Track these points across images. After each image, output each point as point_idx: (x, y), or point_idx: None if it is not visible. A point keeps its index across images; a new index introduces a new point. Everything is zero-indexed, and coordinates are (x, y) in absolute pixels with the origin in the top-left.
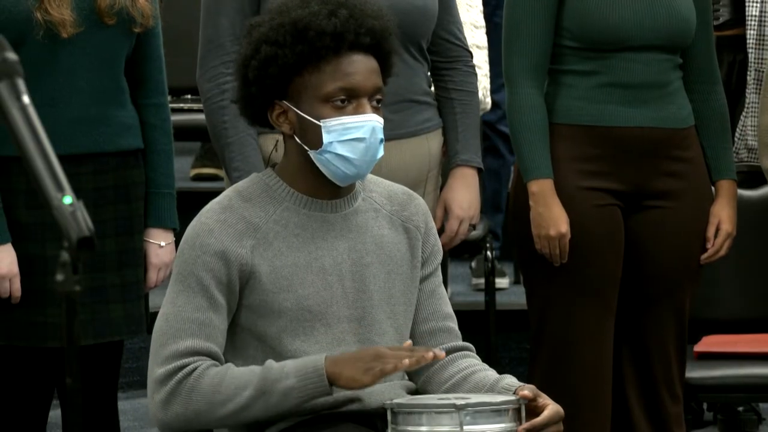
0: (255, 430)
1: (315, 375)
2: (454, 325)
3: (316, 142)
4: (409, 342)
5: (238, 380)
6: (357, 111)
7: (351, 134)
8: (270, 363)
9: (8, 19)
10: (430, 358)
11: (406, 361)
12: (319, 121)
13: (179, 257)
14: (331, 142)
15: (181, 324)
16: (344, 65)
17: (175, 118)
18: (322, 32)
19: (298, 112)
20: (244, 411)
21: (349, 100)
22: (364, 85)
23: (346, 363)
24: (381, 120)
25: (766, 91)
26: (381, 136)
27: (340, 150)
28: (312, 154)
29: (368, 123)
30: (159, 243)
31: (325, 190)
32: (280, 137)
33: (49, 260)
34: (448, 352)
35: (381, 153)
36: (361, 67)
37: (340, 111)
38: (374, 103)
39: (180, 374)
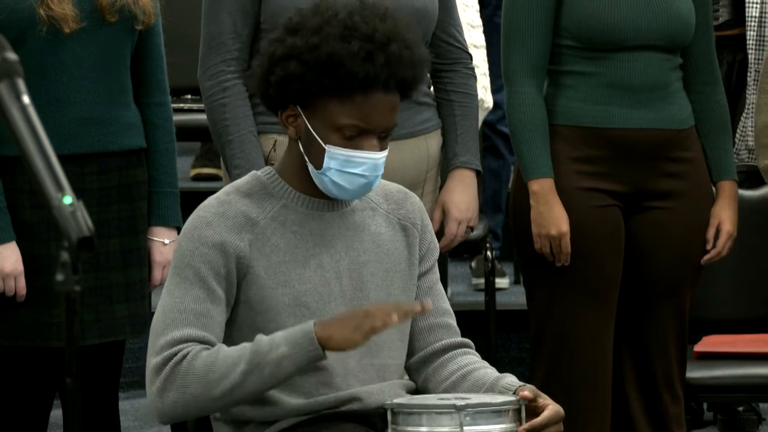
0: (255, 429)
1: (306, 340)
2: (452, 321)
3: (317, 161)
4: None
5: (231, 357)
6: (364, 146)
7: (351, 168)
8: (260, 337)
9: (10, 17)
10: (418, 311)
11: (395, 316)
12: (325, 144)
13: (177, 250)
14: (331, 169)
15: (177, 315)
16: (366, 105)
17: (176, 118)
18: (352, 74)
19: (308, 125)
20: (240, 387)
21: (359, 134)
22: (379, 125)
23: (335, 325)
24: (384, 154)
25: (761, 91)
26: (381, 171)
27: (337, 179)
28: (310, 167)
29: (370, 161)
30: (162, 241)
31: (322, 191)
32: (279, 137)
33: (53, 260)
34: (447, 348)
35: (377, 184)
36: (380, 107)
37: (348, 143)
38: (383, 134)
39: (173, 360)
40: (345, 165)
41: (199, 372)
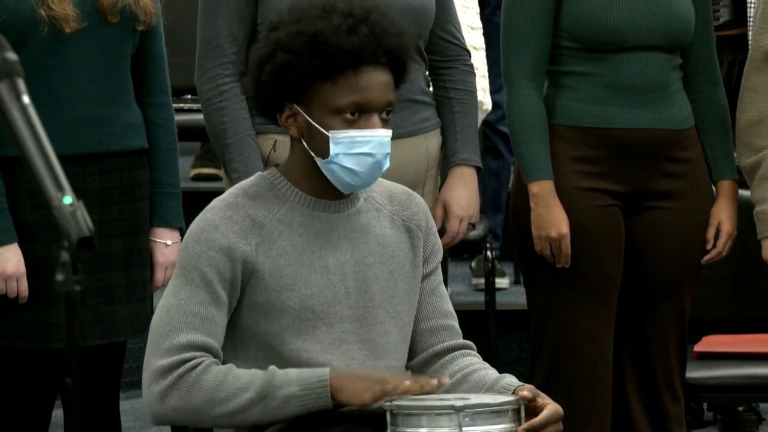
0: (255, 429)
1: (319, 386)
2: (454, 323)
3: (323, 151)
4: (409, 373)
5: (241, 381)
6: (366, 125)
7: (358, 148)
8: (273, 369)
9: (11, 18)
10: (434, 386)
11: (407, 382)
12: (327, 131)
13: (183, 251)
14: (338, 154)
15: (182, 317)
16: (358, 81)
17: (176, 118)
18: (340, 50)
19: (308, 118)
20: (242, 413)
21: (359, 113)
22: (377, 101)
23: (350, 380)
24: (389, 133)
25: (744, 89)
26: (388, 150)
27: (347, 163)
28: (318, 161)
29: (376, 138)
30: (165, 242)
31: (328, 192)
32: (279, 137)
33: (54, 261)
34: (449, 350)
35: (387, 165)
36: (375, 83)
37: (350, 124)
38: (384, 115)
39: (182, 368)
40: (351, 147)
41: (206, 388)
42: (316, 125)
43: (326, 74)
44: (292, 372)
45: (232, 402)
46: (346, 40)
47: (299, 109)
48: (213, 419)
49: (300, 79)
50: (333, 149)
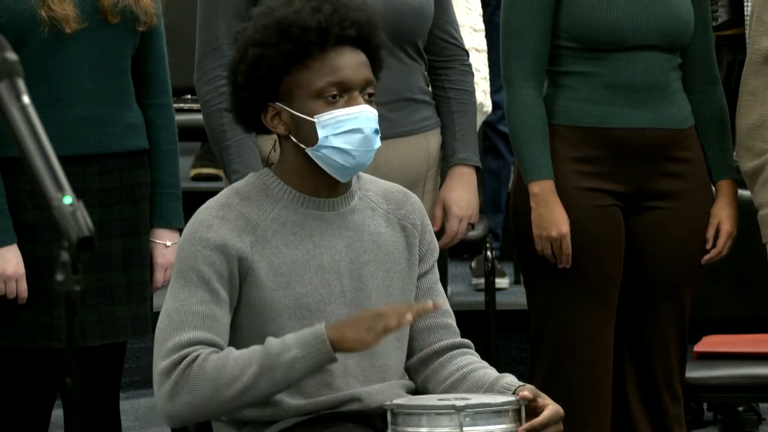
0: (255, 429)
1: (318, 342)
2: (452, 321)
3: (312, 138)
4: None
5: (241, 360)
6: (349, 104)
7: (345, 126)
8: (270, 339)
9: (12, 19)
10: (430, 309)
11: (409, 316)
12: (312, 117)
13: (179, 253)
14: (327, 137)
15: (183, 317)
16: (332, 60)
17: (176, 118)
18: (306, 28)
19: (291, 111)
20: (252, 389)
21: (340, 94)
22: (354, 78)
23: (347, 327)
24: (374, 111)
25: (743, 93)
26: (376, 126)
27: (337, 143)
28: (309, 151)
29: (361, 113)
30: (165, 243)
31: (322, 189)
32: None
33: (54, 261)
34: (447, 349)
35: (378, 143)
36: (349, 60)
37: (332, 105)
38: (366, 96)
39: (183, 363)
40: (338, 126)
41: (210, 374)
42: (301, 115)
43: (298, 58)
44: (289, 337)
45: (239, 381)
46: (311, 18)
47: (281, 105)
48: (225, 404)
49: (274, 71)
50: (321, 132)
